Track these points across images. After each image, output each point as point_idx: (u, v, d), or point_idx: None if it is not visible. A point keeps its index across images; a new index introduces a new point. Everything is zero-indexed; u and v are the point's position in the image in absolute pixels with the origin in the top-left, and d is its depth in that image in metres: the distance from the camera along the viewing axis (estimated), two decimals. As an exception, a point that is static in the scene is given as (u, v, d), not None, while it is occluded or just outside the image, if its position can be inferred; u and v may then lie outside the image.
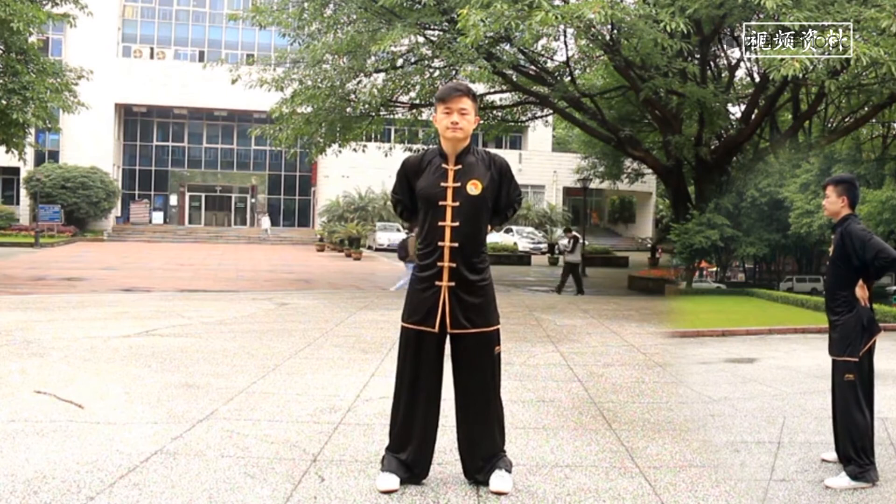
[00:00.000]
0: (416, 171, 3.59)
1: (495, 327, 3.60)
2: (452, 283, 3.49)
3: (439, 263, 3.49)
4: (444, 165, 3.54)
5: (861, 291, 3.94)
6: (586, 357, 7.53)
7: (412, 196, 3.64)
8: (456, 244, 3.48)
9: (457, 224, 3.48)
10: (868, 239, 3.89)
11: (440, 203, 3.49)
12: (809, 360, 7.42)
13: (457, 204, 3.49)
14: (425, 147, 21.79)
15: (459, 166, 3.54)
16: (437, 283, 3.50)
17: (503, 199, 3.64)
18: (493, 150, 3.73)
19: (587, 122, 19.95)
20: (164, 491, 3.46)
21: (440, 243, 3.49)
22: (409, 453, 3.59)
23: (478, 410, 3.60)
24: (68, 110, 18.57)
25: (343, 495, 3.49)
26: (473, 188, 3.50)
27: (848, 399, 3.89)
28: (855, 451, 3.79)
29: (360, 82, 16.94)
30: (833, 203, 4.08)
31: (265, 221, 43.06)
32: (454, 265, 3.48)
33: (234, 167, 47.30)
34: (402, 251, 13.76)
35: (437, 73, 17.41)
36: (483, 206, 3.54)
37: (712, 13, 12.83)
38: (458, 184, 3.51)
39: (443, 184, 3.52)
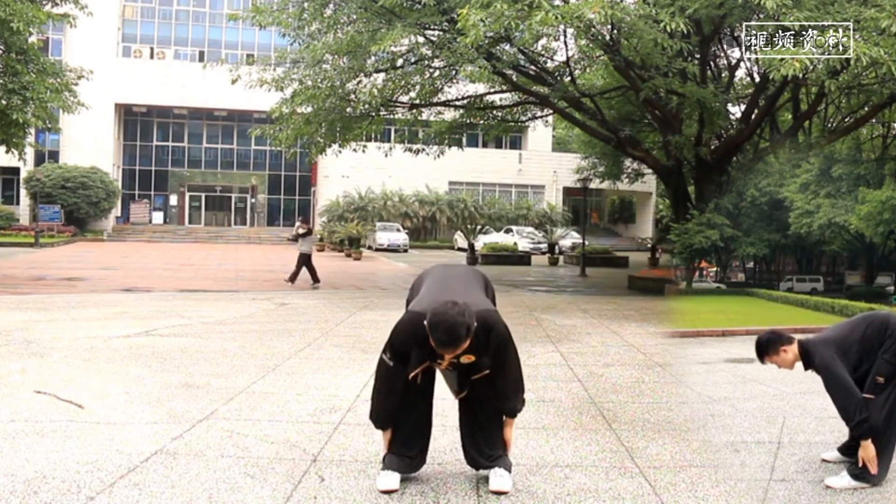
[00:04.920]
0: (409, 353, 3.52)
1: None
2: None
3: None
4: (439, 360, 3.48)
5: (865, 453, 3.73)
6: (586, 357, 7.53)
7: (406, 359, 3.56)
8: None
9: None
10: (831, 384, 3.79)
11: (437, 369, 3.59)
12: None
13: (451, 369, 3.56)
14: (425, 148, 21.80)
15: (455, 360, 3.47)
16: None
17: (499, 377, 3.54)
18: (490, 320, 3.52)
19: (587, 122, 19.93)
20: (164, 491, 3.47)
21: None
22: (407, 448, 3.66)
23: (482, 406, 3.69)
24: (68, 110, 18.54)
25: (343, 495, 3.50)
26: (467, 359, 3.46)
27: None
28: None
29: (360, 82, 16.93)
30: (782, 362, 3.98)
31: (297, 226, 39.31)
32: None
33: (234, 167, 47.26)
34: None
35: (437, 73, 17.40)
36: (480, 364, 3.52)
37: (712, 13, 12.82)
38: (452, 364, 3.50)
39: (438, 369, 3.59)
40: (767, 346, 3.99)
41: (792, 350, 3.93)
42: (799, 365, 3.97)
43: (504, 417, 3.67)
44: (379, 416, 3.63)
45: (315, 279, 16.16)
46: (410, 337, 3.45)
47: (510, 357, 3.58)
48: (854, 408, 3.69)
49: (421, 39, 15.91)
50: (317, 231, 38.28)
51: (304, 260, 16.45)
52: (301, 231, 17.42)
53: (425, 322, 3.28)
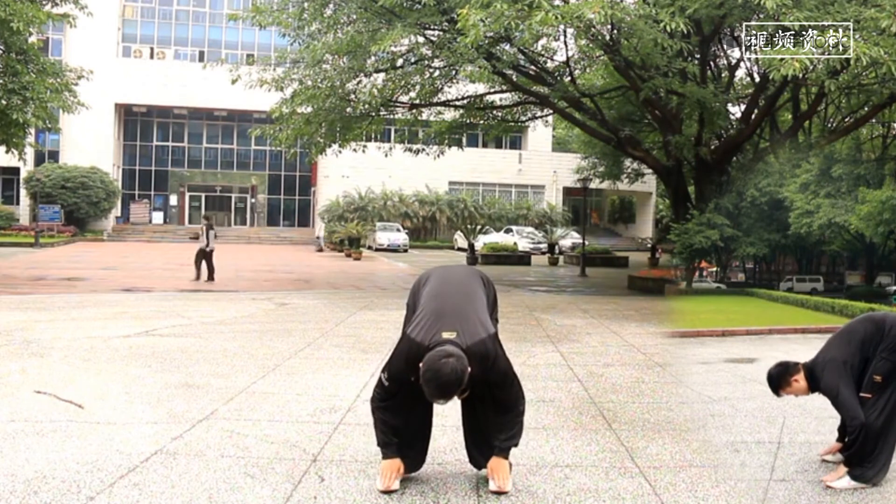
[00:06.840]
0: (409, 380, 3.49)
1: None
2: None
3: None
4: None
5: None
6: (586, 357, 7.53)
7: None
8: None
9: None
10: (834, 398, 3.85)
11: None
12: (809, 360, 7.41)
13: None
14: (425, 148, 21.82)
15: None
16: None
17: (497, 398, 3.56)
18: (487, 353, 3.43)
19: (587, 122, 19.93)
20: (164, 491, 3.47)
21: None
22: (407, 447, 3.65)
23: (482, 406, 3.68)
24: (68, 110, 18.55)
25: (343, 495, 3.50)
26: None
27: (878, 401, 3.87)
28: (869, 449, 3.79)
29: (360, 82, 16.94)
30: (797, 391, 4.00)
31: (319, 227, 37.28)
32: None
33: (234, 167, 47.27)
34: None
35: (437, 73, 17.41)
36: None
37: (712, 13, 12.82)
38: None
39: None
40: (779, 380, 4.02)
41: (801, 378, 3.96)
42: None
43: (493, 456, 3.55)
44: (384, 437, 3.54)
45: (197, 276, 16.53)
46: (411, 367, 3.43)
47: (509, 384, 3.55)
48: (856, 431, 3.74)
49: (421, 39, 15.91)
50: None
51: (203, 254, 16.76)
52: (202, 227, 17.69)
53: (420, 365, 3.26)
